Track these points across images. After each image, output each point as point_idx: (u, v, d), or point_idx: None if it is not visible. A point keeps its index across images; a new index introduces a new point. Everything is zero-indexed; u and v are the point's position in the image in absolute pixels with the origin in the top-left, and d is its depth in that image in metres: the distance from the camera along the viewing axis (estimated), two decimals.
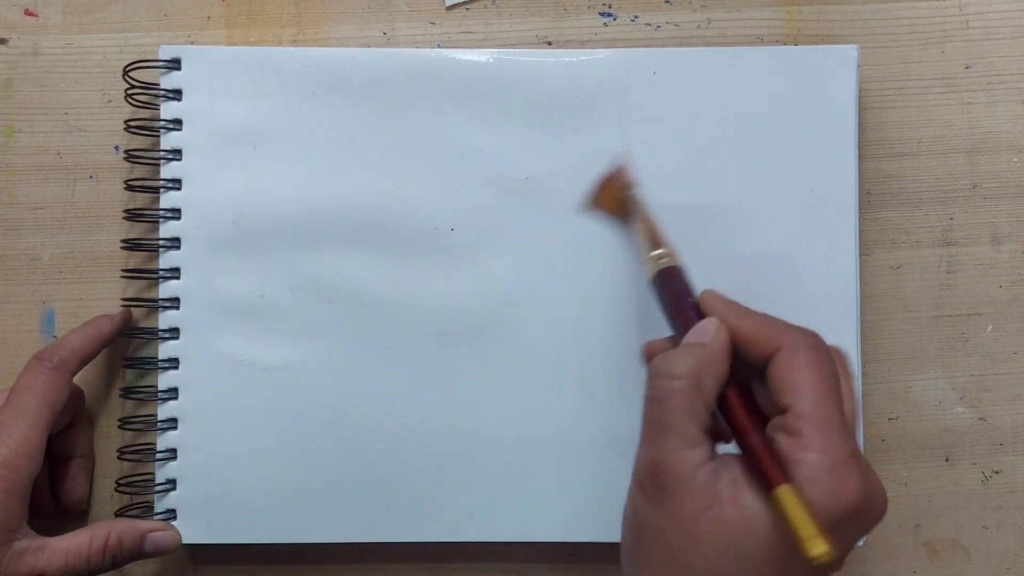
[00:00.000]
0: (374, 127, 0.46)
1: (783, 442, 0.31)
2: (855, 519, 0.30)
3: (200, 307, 0.45)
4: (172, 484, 0.45)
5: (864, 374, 0.46)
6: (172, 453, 0.45)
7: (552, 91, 0.45)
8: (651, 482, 0.32)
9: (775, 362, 0.32)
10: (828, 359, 0.32)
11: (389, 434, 0.45)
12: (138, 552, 0.43)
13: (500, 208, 0.45)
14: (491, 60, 0.46)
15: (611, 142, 0.45)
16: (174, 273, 0.45)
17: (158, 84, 0.46)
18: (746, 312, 0.35)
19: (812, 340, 0.33)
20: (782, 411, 0.31)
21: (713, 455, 0.32)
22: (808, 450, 0.30)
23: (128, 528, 0.42)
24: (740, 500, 0.30)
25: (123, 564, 0.42)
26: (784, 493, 0.29)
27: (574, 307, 0.45)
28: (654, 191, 0.45)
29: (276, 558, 0.46)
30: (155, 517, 0.45)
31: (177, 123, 0.46)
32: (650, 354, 0.36)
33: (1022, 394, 0.47)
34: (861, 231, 0.46)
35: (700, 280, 0.45)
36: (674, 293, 0.37)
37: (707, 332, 0.34)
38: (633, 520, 0.33)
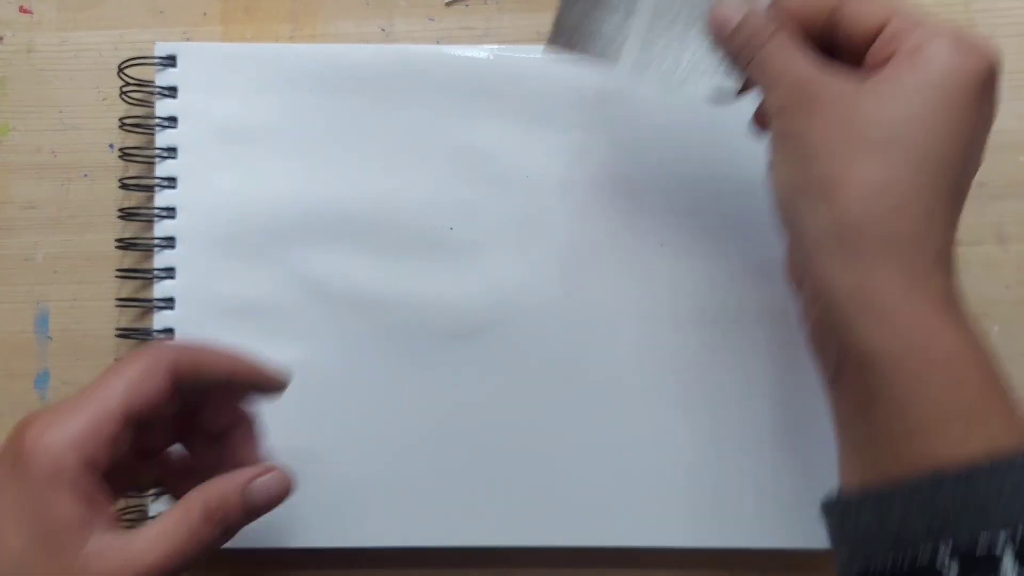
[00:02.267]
0: (372, 125, 0.45)
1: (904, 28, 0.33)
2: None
3: (195, 307, 0.45)
4: None
5: None
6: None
7: (552, 88, 0.45)
8: (793, 96, 0.33)
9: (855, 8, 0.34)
10: None
11: (386, 435, 0.44)
12: (250, 507, 0.35)
13: (499, 206, 0.45)
14: (490, 57, 0.45)
15: (611, 140, 0.45)
16: (169, 273, 0.45)
17: (153, 81, 0.45)
18: None
19: None
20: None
21: None
22: (934, 25, 0.33)
23: (223, 487, 0.35)
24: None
25: (238, 528, 0.35)
26: None
27: (574, 306, 0.45)
28: (654, 189, 0.45)
29: (272, 563, 0.46)
30: (150, 520, 0.44)
31: (172, 121, 0.45)
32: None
33: None
34: None
35: (701, 280, 0.45)
36: None
37: None
38: (793, 147, 0.33)
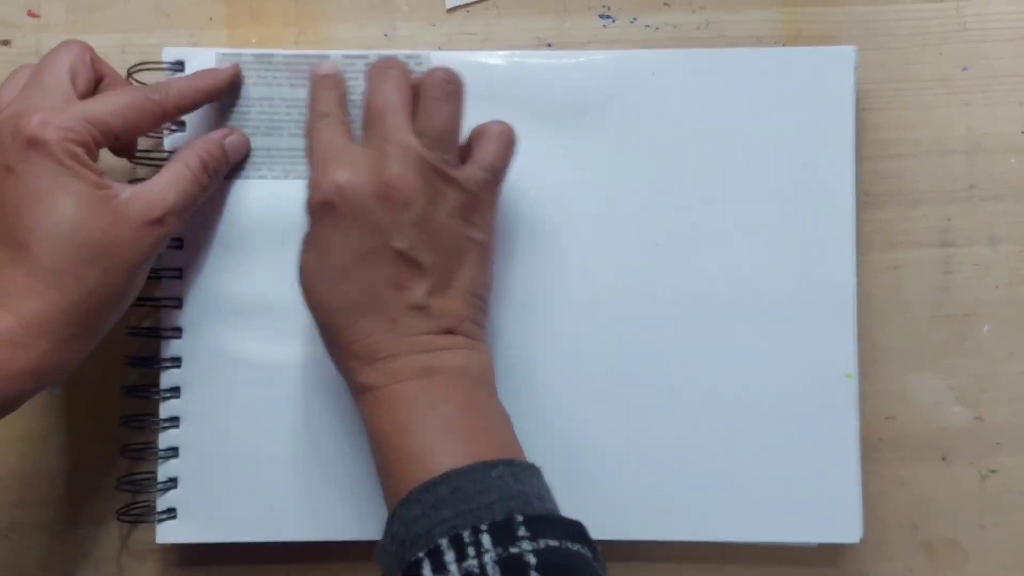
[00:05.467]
0: None
1: None
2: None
3: (202, 306, 0.45)
4: (173, 482, 0.45)
5: (861, 374, 0.46)
6: (174, 451, 0.45)
7: (551, 92, 0.45)
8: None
9: None
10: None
11: None
12: (229, 156, 0.44)
13: (499, 209, 0.45)
14: (491, 61, 0.46)
15: (609, 144, 0.46)
16: (176, 273, 0.45)
17: None
18: None
19: None
20: None
21: None
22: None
23: (208, 143, 0.43)
24: None
25: (221, 176, 0.44)
26: None
27: (573, 307, 0.45)
28: (652, 191, 0.46)
29: (277, 557, 0.47)
30: (157, 516, 0.45)
31: (180, 124, 0.46)
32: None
33: (1019, 394, 0.47)
34: (859, 232, 0.46)
35: (698, 279, 0.45)
36: None
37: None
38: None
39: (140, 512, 0.45)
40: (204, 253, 0.45)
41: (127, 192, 0.39)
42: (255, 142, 0.45)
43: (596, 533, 0.44)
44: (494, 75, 0.45)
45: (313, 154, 0.40)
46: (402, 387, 0.37)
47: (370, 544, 0.45)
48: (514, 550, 0.32)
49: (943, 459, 0.47)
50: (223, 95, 0.45)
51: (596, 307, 0.45)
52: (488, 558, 0.32)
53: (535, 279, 0.45)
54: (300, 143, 0.45)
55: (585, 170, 0.46)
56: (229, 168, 0.45)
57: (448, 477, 0.35)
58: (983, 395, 0.47)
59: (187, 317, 0.45)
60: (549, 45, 0.48)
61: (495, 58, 0.46)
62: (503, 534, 0.33)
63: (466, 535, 0.33)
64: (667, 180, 0.45)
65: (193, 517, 0.45)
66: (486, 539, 0.32)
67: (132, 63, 0.46)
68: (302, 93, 0.45)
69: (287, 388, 0.45)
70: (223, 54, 0.45)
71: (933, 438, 0.47)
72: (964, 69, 0.48)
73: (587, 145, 0.46)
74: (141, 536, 0.47)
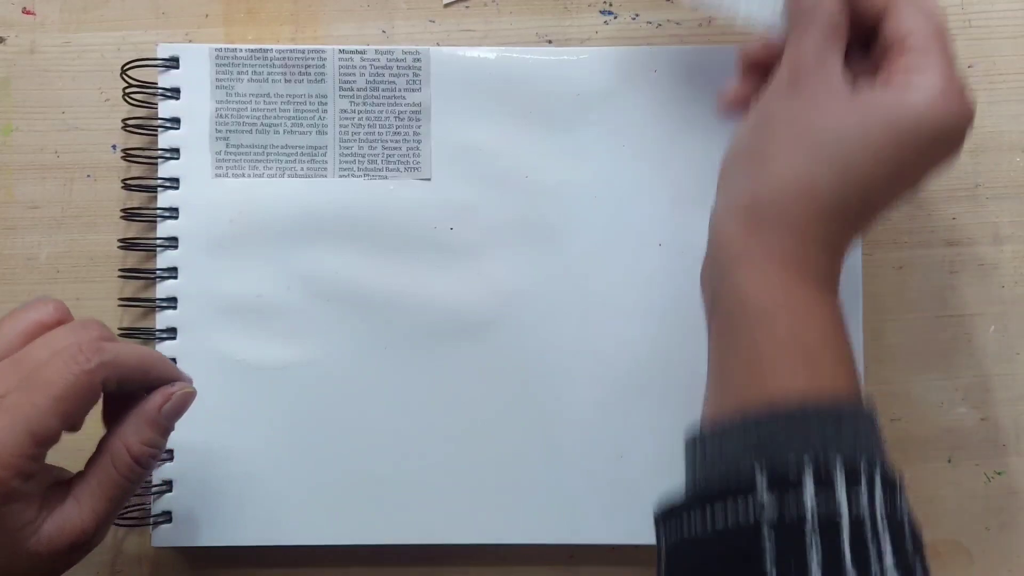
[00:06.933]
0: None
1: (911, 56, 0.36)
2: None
3: (197, 307, 0.45)
4: (168, 485, 0.44)
5: (866, 375, 0.45)
6: (169, 454, 0.45)
7: (552, 89, 0.45)
8: (791, 77, 0.36)
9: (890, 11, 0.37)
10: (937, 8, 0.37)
11: (387, 434, 0.45)
12: (167, 433, 0.38)
13: (499, 207, 0.45)
14: (491, 57, 0.45)
15: (610, 141, 0.45)
16: (171, 273, 0.45)
17: (156, 83, 0.46)
18: None
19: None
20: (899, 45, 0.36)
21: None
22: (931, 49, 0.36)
23: (140, 429, 0.37)
24: (874, 88, 0.35)
25: (159, 458, 0.39)
26: None
27: (574, 306, 0.45)
28: (652, 189, 0.45)
29: (273, 561, 0.46)
30: (151, 519, 0.44)
31: (175, 122, 0.45)
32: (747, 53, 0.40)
33: None
34: None
35: (699, 280, 0.45)
36: None
37: None
38: (761, 117, 0.37)
39: (136, 516, 0.45)
40: (199, 253, 0.45)
41: (46, 528, 0.35)
42: (250, 139, 0.45)
43: (595, 537, 0.44)
44: (493, 71, 0.45)
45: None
46: (818, 292, 0.35)
47: (368, 549, 0.45)
48: (898, 514, 0.31)
49: (948, 460, 0.47)
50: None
51: (595, 306, 0.45)
52: (878, 497, 0.31)
53: (534, 279, 0.45)
54: (296, 140, 0.45)
55: (585, 168, 0.45)
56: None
57: (840, 404, 0.33)
58: (988, 396, 0.47)
59: (182, 318, 0.45)
60: (550, 42, 0.47)
61: (494, 54, 0.45)
62: (890, 485, 0.32)
63: (863, 464, 0.31)
64: (669, 178, 0.45)
65: (188, 521, 0.44)
66: (878, 477, 0.31)
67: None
68: (298, 89, 0.45)
69: (283, 390, 0.45)
70: (217, 49, 0.45)
71: (938, 439, 0.47)
72: (969, 67, 0.47)
73: (587, 143, 0.45)
74: (137, 540, 0.46)
